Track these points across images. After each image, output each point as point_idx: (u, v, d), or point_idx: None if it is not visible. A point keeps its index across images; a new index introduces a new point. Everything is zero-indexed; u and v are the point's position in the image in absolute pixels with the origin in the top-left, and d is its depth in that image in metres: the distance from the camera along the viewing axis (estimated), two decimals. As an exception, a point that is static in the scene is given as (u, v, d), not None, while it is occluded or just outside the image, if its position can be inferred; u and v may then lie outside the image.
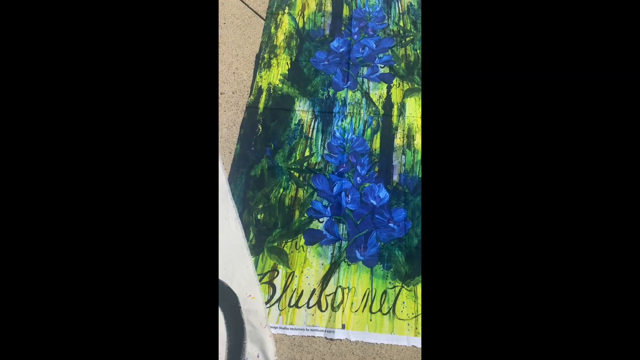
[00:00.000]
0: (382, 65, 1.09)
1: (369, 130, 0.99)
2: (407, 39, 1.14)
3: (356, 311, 0.77)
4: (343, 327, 0.75)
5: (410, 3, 1.22)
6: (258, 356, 0.70)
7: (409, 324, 0.75)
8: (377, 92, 1.05)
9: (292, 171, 0.93)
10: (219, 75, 1.05)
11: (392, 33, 1.16)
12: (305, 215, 0.87)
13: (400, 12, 1.20)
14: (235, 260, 0.78)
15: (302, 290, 0.78)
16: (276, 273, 0.80)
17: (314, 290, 0.79)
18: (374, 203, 0.89)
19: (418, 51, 1.11)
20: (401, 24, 1.18)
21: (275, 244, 0.84)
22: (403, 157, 0.95)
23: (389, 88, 1.05)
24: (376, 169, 0.93)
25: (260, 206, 0.88)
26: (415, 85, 1.06)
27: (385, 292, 0.79)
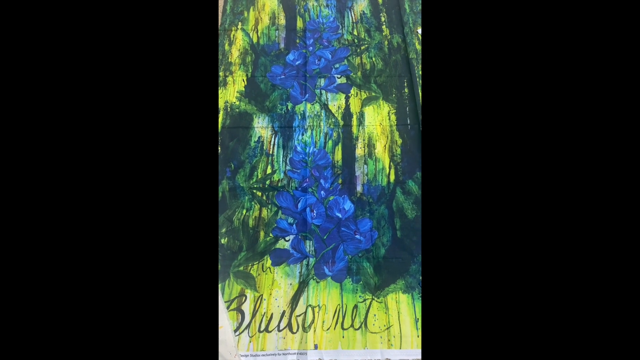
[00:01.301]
0: (339, 76, 1.09)
1: (330, 142, 0.99)
2: (362, 48, 1.15)
3: (328, 329, 0.76)
4: (316, 347, 0.74)
5: (363, 11, 1.23)
6: None
7: (381, 337, 0.75)
8: (336, 103, 1.05)
9: (254, 190, 0.91)
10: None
11: (346, 42, 1.16)
12: (271, 235, 0.85)
13: (354, 21, 1.21)
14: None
15: (272, 314, 0.77)
16: (244, 298, 0.78)
17: (283, 312, 0.77)
18: (340, 216, 0.88)
19: (374, 59, 1.12)
20: (355, 32, 1.18)
21: (242, 267, 0.82)
22: (365, 166, 0.95)
23: (347, 98, 1.05)
24: (339, 180, 0.93)
25: (224, 230, 0.86)
26: (373, 94, 1.06)
27: (356, 307, 0.78)
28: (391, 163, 0.96)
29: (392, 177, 0.94)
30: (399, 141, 0.99)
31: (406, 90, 1.06)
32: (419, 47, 1.15)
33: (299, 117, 1.02)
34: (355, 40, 1.17)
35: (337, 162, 0.96)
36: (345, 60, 1.12)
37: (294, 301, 0.78)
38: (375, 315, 0.77)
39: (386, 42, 1.15)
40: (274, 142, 0.98)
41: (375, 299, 0.79)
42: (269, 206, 0.89)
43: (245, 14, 1.23)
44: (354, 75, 1.09)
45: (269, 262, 0.83)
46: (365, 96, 1.06)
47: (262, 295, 0.79)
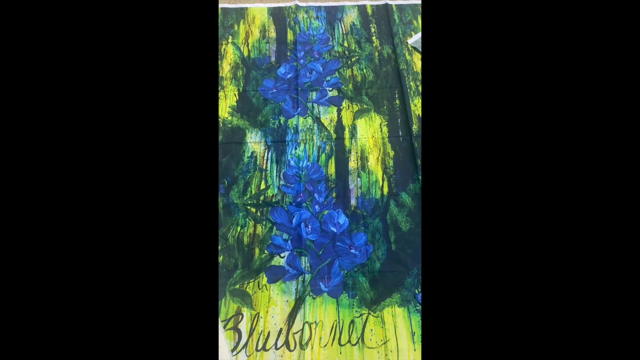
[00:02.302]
0: (331, 89, 1.10)
1: (323, 155, 0.99)
2: (352, 59, 1.16)
3: (325, 346, 0.76)
4: (313, 364, 0.74)
5: (353, 23, 1.24)
6: None
7: (378, 352, 0.75)
8: (328, 116, 1.05)
9: (248, 207, 0.91)
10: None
11: (337, 54, 1.17)
12: (266, 252, 0.86)
13: (344, 32, 1.22)
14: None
15: (269, 332, 0.77)
16: (240, 317, 0.78)
17: (280, 330, 0.77)
18: (335, 230, 0.89)
19: (364, 70, 1.13)
20: (345, 44, 1.19)
21: (237, 285, 0.82)
22: (359, 179, 0.96)
23: (339, 111, 1.06)
24: (334, 194, 0.93)
25: (219, 248, 0.86)
26: (365, 106, 1.07)
27: (352, 322, 0.78)
28: (384, 175, 0.97)
29: (386, 190, 0.94)
30: (392, 153, 1.00)
31: (397, 101, 1.07)
32: (409, 57, 1.16)
33: (292, 131, 1.03)
34: (346, 52, 1.17)
35: (331, 175, 0.96)
36: (337, 72, 1.13)
37: (291, 318, 0.79)
38: (372, 330, 0.78)
39: (376, 54, 1.16)
40: (267, 156, 0.99)
41: (372, 313, 0.79)
42: (264, 222, 0.89)
43: (236, 28, 1.23)
44: (345, 88, 1.10)
45: (265, 279, 0.83)
46: (357, 108, 1.07)
47: (258, 313, 0.79)
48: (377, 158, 0.99)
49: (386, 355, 0.75)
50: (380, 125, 1.04)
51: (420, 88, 1.09)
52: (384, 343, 0.76)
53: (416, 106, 1.06)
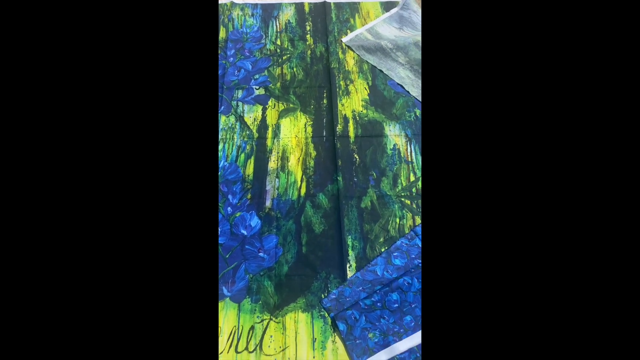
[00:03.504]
0: (258, 87, 1.07)
1: (243, 155, 0.96)
2: (283, 58, 1.13)
3: (221, 353, 0.73)
4: (206, 372, 0.71)
5: (289, 20, 1.22)
6: None
7: (275, 359, 0.73)
8: (252, 114, 1.03)
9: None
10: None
11: (269, 52, 1.14)
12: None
13: (278, 30, 1.19)
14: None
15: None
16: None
17: (175, 337, 0.74)
18: (245, 233, 0.86)
19: (295, 69, 1.11)
20: (278, 42, 1.17)
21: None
22: (277, 180, 0.93)
23: (264, 110, 1.03)
24: (248, 196, 0.91)
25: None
26: (291, 105, 1.05)
27: (252, 328, 0.75)
28: (303, 176, 0.94)
29: (303, 191, 0.92)
30: (313, 153, 0.97)
31: (325, 101, 1.05)
32: (342, 56, 1.13)
33: (213, 130, 1.00)
34: (278, 50, 1.15)
35: (248, 176, 0.93)
36: (266, 71, 1.10)
37: (189, 324, 0.75)
38: (271, 336, 0.75)
39: (309, 52, 1.14)
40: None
41: (274, 319, 0.76)
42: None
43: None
44: (273, 87, 1.07)
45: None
46: (283, 107, 1.04)
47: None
48: (299, 158, 0.96)
49: (282, 362, 0.72)
50: (305, 125, 1.01)
51: (350, 87, 1.07)
52: (282, 350, 0.73)
53: (343, 105, 1.04)
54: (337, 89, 1.06)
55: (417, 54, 1.11)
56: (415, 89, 1.06)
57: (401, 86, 1.08)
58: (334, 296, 0.78)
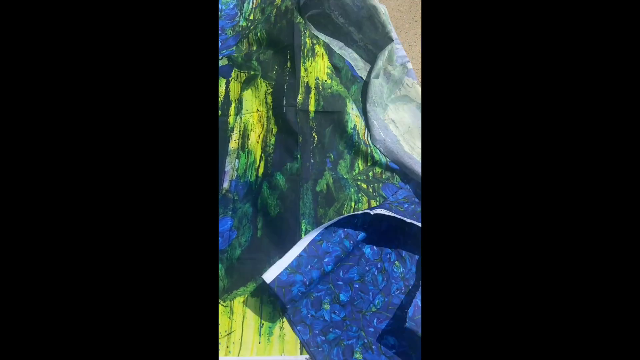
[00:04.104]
0: (221, 58, 1.01)
1: (204, 136, 0.94)
2: (250, 28, 1.04)
3: (173, 334, 0.76)
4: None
5: (263, -12, 1.10)
6: None
7: (220, 343, 0.74)
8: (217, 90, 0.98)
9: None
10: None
11: (240, 29, 1.06)
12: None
13: (254, 6, 1.09)
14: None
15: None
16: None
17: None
18: (202, 216, 0.85)
19: (259, 34, 1.01)
20: (251, 17, 1.07)
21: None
22: (237, 161, 0.89)
23: (227, 83, 0.98)
24: (208, 178, 0.89)
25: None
26: (253, 72, 0.97)
27: (203, 311, 0.77)
28: (262, 154, 0.89)
29: (261, 171, 0.87)
30: (274, 129, 0.90)
31: (288, 64, 0.95)
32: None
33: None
34: (249, 25, 1.06)
35: (209, 157, 0.91)
36: (234, 47, 1.03)
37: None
38: (218, 320, 0.76)
39: (274, 11, 1.03)
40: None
41: (222, 302, 0.77)
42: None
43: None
44: (237, 56, 1.00)
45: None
46: (245, 77, 0.97)
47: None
48: (259, 136, 0.91)
49: (227, 347, 0.73)
50: (266, 93, 0.94)
51: (316, 48, 0.95)
52: (228, 334, 0.74)
53: (307, 71, 0.93)
54: (302, 48, 0.95)
55: (372, 33, 0.93)
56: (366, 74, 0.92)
57: (357, 70, 0.94)
58: (283, 278, 0.75)
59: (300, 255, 0.74)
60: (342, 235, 0.75)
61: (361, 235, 0.75)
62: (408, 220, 0.70)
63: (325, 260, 0.73)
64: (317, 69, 0.94)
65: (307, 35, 0.97)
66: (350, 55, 0.97)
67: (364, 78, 0.94)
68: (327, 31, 1.00)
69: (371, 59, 0.94)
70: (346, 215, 0.74)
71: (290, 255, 0.73)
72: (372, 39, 0.95)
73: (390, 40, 0.90)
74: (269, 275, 0.71)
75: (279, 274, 0.70)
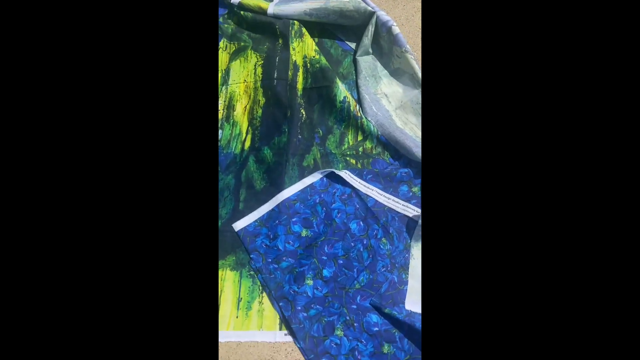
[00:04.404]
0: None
1: (187, 104, 0.89)
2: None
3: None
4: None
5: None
6: None
7: (196, 316, 0.71)
8: (201, 58, 0.94)
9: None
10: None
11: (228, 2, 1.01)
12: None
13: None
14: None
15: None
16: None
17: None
18: (181, 187, 0.81)
19: (249, 16, 0.97)
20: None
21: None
22: (220, 131, 0.86)
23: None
24: (189, 147, 0.85)
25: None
26: (242, 44, 0.93)
27: (178, 284, 0.73)
28: (249, 127, 0.86)
29: (248, 144, 0.84)
30: (262, 101, 0.88)
31: (280, 40, 0.92)
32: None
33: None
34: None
35: (191, 126, 0.87)
36: (221, 17, 0.98)
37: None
38: (197, 293, 0.73)
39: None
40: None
41: (199, 276, 0.74)
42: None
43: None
44: (227, 26, 0.96)
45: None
46: (234, 48, 0.93)
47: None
48: (245, 107, 0.88)
49: (203, 320, 0.70)
50: (256, 65, 0.91)
51: (303, 30, 0.91)
52: (205, 308, 0.71)
53: (294, 50, 0.90)
54: (290, 29, 0.92)
55: (353, 21, 0.90)
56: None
57: (347, 43, 0.92)
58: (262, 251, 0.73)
59: (272, 210, 0.76)
60: (317, 200, 0.76)
61: (340, 205, 0.76)
62: (362, 191, 0.76)
63: (294, 219, 0.74)
64: (304, 48, 0.91)
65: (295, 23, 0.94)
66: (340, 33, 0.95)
67: (354, 48, 0.93)
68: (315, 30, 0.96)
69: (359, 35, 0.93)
70: (326, 170, 0.78)
71: (263, 209, 0.76)
72: (357, 25, 0.93)
73: (371, 15, 0.88)
74: (239, 224, 0.76)
75: (247, 225, 0.75)
